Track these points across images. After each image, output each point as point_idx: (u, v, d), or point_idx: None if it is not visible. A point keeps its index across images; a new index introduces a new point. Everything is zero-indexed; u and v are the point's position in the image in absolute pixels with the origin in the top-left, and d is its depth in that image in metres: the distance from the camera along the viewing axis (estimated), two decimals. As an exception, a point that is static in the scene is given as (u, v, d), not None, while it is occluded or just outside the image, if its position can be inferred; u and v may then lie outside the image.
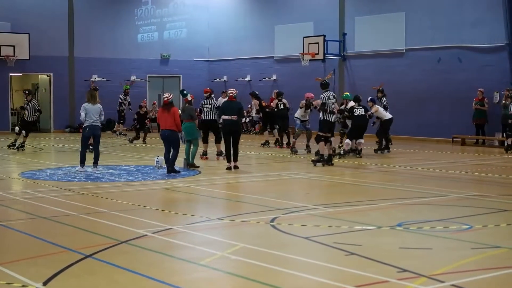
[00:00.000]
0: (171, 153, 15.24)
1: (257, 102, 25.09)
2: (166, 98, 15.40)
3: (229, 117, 15.97)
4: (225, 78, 33.53)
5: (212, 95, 18.75)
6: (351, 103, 19.86)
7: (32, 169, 16.18)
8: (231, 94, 16.67)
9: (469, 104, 24.12)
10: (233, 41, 33.10)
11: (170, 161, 15.25)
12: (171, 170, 15.21)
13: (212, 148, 19.22)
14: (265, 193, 12.58)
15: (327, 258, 7.57)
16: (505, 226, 9.47)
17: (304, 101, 20.57)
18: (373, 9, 27.50)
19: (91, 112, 15.47)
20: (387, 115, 20.54)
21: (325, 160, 16.97)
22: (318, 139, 17.22)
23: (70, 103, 31.09)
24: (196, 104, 21.22)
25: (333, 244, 8.15)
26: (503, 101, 22.66)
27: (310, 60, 27.88)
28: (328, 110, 16.93)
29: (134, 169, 16.27)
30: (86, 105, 15.49)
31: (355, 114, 19.41)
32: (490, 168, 16.57)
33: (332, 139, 17.11)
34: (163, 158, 16.51)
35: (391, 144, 21.29)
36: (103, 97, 30.52)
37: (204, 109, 18.37)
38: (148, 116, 30.42)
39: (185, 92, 18.21)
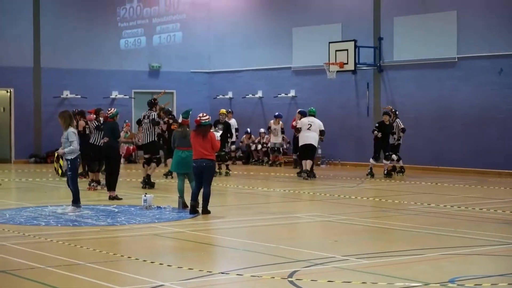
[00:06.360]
0: (203, 189, 15.42)
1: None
2: (199, 118, 15.50)
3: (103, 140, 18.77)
4: (230, 95, 33.65)
5: None
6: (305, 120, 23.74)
7: (-13, 210, 16.23)
8: (106, 114, 19.19)
9: (540, 126, 24.15)
10: (240, 48, 33.24)
11: (206, 199, 15.45)
12: (206, 211, 15.45)
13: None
14: (281, 240, 12.56)
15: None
16: None
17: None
18: (415, 7, 27.58)
19: (77, 139, 15.69)
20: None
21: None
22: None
23: (35, 126, 31.20)
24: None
25: (368, 305, 8.14)
26: None
27: (337, 71, 27.96)
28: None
29: (116, 210, 16.28)
30: (74, 130, 15.60)
31: None
32: None
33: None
34: (151, 196, 16.57)
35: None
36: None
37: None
38: (133, 141, 30.63)
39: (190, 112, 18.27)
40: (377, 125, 24.45)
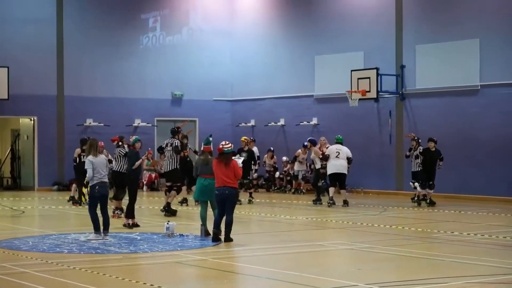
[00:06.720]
0: (226, 217, 15.40)
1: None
2: (222, 146, 15.51)
3: None
4: (252, 123, 33.70)
5: None
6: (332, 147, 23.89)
7: (10, 237, 16.27)
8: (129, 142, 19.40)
9: None
10: (262, 76, 33.33)
11: (228, 227, 15.42)
12: (229, 238, 15.44)
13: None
14: (304, 268, 12.53)
15: None
16: None
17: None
18: (438, 35, 27.57)
19: (99, 166, 15.75)
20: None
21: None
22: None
23: (58, 154, 31.33)
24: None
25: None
26: None
27: (359, 99, 27.95)
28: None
29: (139, 237, 16.30)
30: (91, 158, 15.72)
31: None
32: None
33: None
34: (174, 223, 16.56)
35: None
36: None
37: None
38: (155, 169, 30.68)
39: (210, 139, 18.09)
40: (421, 150, 24.15)
